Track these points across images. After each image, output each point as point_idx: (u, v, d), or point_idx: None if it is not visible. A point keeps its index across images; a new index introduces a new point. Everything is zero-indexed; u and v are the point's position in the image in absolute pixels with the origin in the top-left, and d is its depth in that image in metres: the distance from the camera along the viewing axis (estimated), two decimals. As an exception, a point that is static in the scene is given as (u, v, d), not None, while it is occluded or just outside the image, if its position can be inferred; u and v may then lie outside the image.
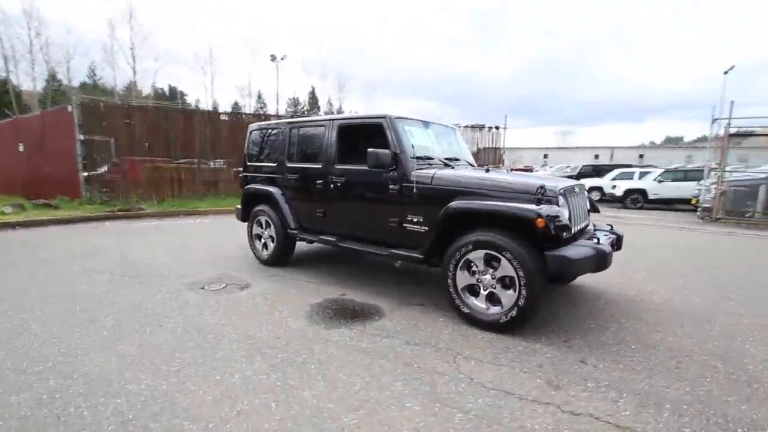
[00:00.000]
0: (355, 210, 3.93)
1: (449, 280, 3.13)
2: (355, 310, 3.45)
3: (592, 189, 15.01)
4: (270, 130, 4.90)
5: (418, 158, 3.60)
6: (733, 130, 10.18)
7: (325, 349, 2.70)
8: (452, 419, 1.94)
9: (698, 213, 10.90)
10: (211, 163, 11.67)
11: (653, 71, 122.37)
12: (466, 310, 3.06)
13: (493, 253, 2.87)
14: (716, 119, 10.51)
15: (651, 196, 13.93)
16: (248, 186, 4.99)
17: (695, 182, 13.35)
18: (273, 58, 33.07)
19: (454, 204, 3.07)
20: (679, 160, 34.63)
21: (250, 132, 5.14)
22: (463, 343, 2.78)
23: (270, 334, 2.92)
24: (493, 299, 2.99)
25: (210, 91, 46.50)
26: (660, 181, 14.05)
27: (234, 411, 1.99)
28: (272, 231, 4.68)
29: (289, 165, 4.51)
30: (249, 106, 49.72)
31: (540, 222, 2.64)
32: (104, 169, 10.26)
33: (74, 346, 2.68)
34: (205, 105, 44.21)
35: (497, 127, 13.82)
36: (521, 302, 2.76)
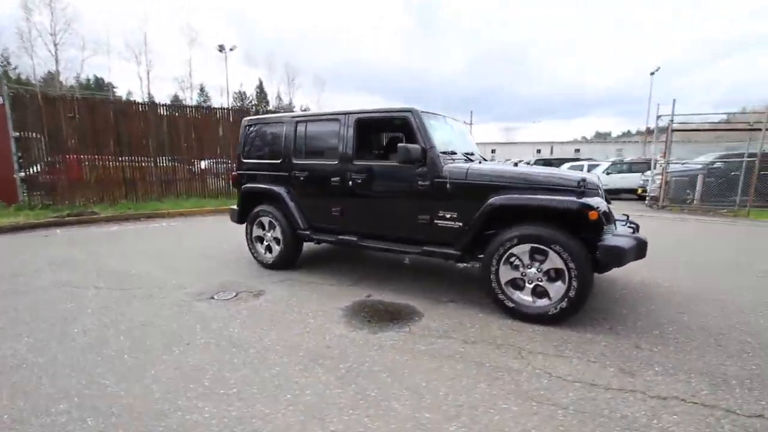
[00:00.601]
0: (379, 207, 3.78)
1: (492, 276, 3.11)
2: (391, 312, 3.33)
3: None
4: (269, 125, 4.57)
5: (441, 153, 3.54)
6: (675, 126, 11.26)
7: (384, 354, 2.56)
8: (556, 417, 1.92)
9: (646, 201, 11.98)
10: (203, 163, 10.90)
11: (584, 71, 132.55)
12: (510, 305, 3.06)
13: (541, 246, 2.89)
14: (660, 116, 11.55)
15: (601, 187, 15.09)
16: (246, 185, 4.62)
17: (639, 174, 14.67)
18: (221, 48, 31.13)
19: (499, 199, 3.05)
20: (611, 154, 37.92)
21: (245, 127, 4.76)
22: (519, 338, 2.78)
23: (317, 343, 2.72)
24: (536, 292, 3.02)
25: (145, 82, 42.53)
26: (608, 173, 15.24)
27: (329, 432, 1.82)
28: (277, 232, 4.39)
29: (296, 162, 4.23)
30: (191, 99, 46.55)
31: (593, 214, 2.70)
32: (38, 169, 9.02)
33: (96, 375, 2.30)
34: (140, 97, 40.66)
35: (464, 122, 14.07)
36: (572, 293, 2.82)
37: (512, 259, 3.05)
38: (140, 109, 10.49)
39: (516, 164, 3.66)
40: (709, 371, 2.33)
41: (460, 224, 3.35)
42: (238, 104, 47.81)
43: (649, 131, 21.34)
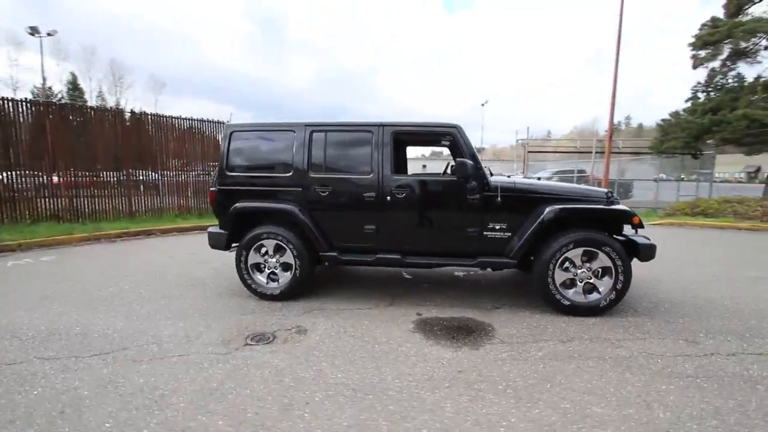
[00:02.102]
0: (426, 222, 3.68)
1: (549, 279, 3.43)
2: (458, 326, 3.31)
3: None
4: (269, 134, 3.93)
5: None
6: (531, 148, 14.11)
7: (516, 366, 2.57)
8: (702, 386, 2.31)
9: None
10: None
11: (425, 96, 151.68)
12: (566, 303, 3.44)
13: (593, 249, 3.37)
14: (518, 140, 14.31)
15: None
16: (240, 204, 3.83)
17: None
18: (33, 31, 23.60)
19: (558, 209, 3.40)
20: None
21: (229, 135, 3.96)
22: (594, 330, 3.16)
23: (443, 370, 2.53)
24: (585, 289, 3.48)
25: None
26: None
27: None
28: (287, 257, 3.79)
29: (315, 176, 3.76)
30: (-40, 91, 34.01)
31: (636, 219, 3.31)
32: None
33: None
34: None
35: None
36: (619, 286, 3.37)
37: (566, 263, 3.45)
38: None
39: (539, 178, 4.13)
40: (751, 333, 3.13)
41: (509, 234, 3.60)
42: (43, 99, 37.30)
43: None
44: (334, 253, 3.76)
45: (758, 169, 37.48)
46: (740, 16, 11.81)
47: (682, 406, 2.13)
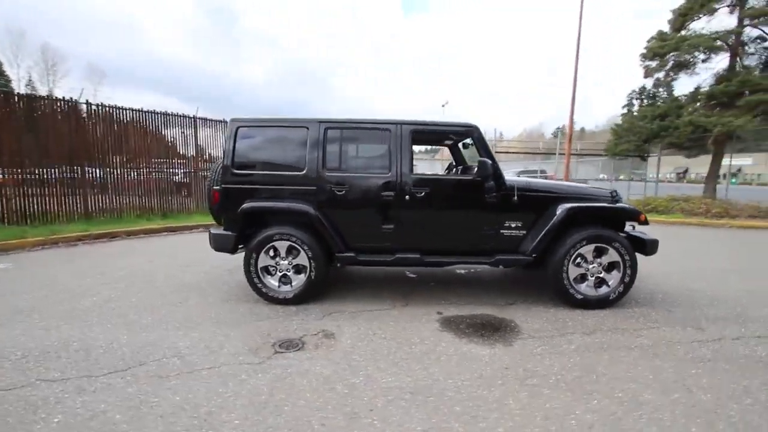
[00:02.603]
0: (445, 221, 3.68)
1: (564, 274, 3.58)
2: (482, 323, 3.35)
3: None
4: (279, 130, 3.75)
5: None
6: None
7: (557, 360, 2.65)
8: (725, 369, 2.53)
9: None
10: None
11: (387, 96, 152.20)
12: (579, 297, 3.60)
13: (603, 245, 3.56)
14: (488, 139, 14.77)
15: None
16: (250, 203, 3.61)
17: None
18: None
19: (575, 207, 3.54)
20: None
21: (235, 130, 3.71)
22: (609, 321, 3.33)
23: (489, 368, 2.55)
24: (595, 282, 3.66)
25: None
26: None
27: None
28: (301, 259, 3.63)
29: (330, 174, 3.63)
30: None
31: (642, 217, 3.53)
32: None
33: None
34: None
35: None
36: (626, 280, 3.58)
37: (578, 259, 3.61)
38: None
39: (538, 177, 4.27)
40: (708, 317, 3.45)
41: (524, 232, 3.70)
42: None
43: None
44: (351, 254, 3.66)
45: (686, 171, 41.57)
46: (683, 31, 13.00)
47: (717, 387, 2.30)
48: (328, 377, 2.42)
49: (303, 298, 3.68)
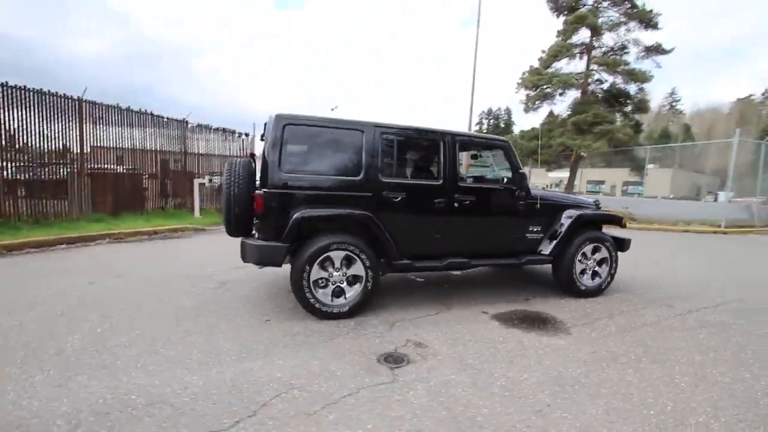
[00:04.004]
0: (486, 227, 3.97)
1: (573, 270, 4.26)
2: (529, 318, 3.72)
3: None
4: (331, 131, 3.48)
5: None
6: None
7: (621, 345, 3.19)
8: (730, 332, 3.46)
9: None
10: None
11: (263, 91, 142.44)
12: (583, 288, 4.33)
13: (599, 244, 4.36)
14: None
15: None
16: (306, 211, 3.25)
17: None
18: None
19: (584, 214, 4.24)
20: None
21: (282, 128, 3.30)
22: (617, 306, 4.10)
23: (581, 358, 2.95)
24: (591, 275, 4.45)
25: None
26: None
27: None
28: (357, 269, 3.47)
29: (387, 180, 3.55)
30: None
31: (624, 222, 4.46)
32: None
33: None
34: None
35: (246, 134, 12.97)
36: (613, 272, 4.46)
37: (580, 257, 4.34)
38: None
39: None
40: (669, 296, 4.59)
41: (541, 235, 4.28)
42: None
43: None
44: (408, 261, 3.65)
45: (561, 182, 51.19)
46: (549, 69, 16.16)
47: (723, 347, 3.15)
48: (474, 382, 2.46)
49: (356, 310, 3.50)
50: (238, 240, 3.61)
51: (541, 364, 2.77)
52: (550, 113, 16.55)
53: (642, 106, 15.81)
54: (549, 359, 2.84)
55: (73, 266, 5.20)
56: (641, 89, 16.46)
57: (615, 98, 14.97)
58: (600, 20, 14.59)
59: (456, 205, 3.81)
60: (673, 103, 61.43)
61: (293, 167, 3.36)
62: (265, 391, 2.29)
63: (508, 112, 66.62)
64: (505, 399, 2.29)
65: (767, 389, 2.49)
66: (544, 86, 15.11)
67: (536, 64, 16.96)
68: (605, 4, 15.72)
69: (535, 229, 4.24)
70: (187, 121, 11.09)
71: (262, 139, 4.23)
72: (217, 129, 11.92)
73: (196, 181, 10.79)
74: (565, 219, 4.26)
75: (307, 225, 3.33)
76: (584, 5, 15.66)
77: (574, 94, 15.57)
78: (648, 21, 14.74)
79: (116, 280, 4.51)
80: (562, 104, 18.10)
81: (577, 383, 2.50)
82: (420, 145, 3.85)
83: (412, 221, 3.73)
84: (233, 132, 12.35)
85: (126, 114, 9.39)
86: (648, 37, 16.29)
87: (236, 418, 2.02)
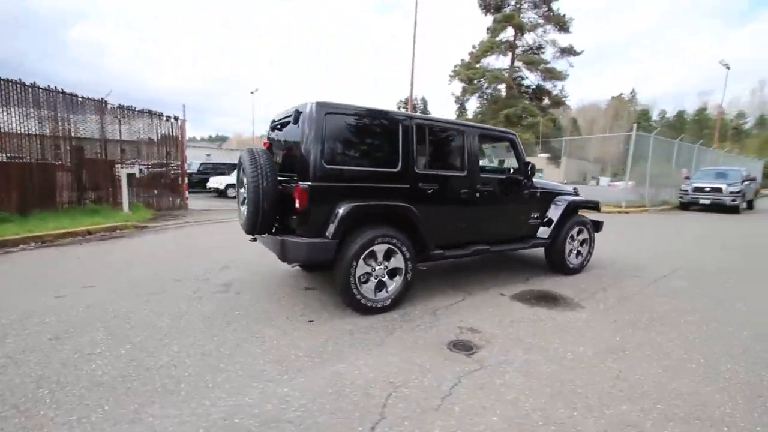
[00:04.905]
0: (501, 215, 4.22)
1: (564, 251, 4.76)
2: (544, 297, 4.08)
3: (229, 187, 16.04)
4: (369, 120, 3.36)
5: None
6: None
7: (644, 317, 3.70)
8: (699, 293, 4.19)
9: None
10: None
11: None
12: (570, 266, 4.87)
13: (582, 227, 4.92)
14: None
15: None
16: (354, 203, 3.12)
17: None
18: None
19: (575, 200, 4.72)
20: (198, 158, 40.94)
21: (322, 117, 3.09)
22: (604, 282, 4.68)
23: (620, 331, 3.36)
24: (574, 255, 5.01)
25: None
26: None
27: None
28: (397, 261, 3.46)
29: (421, 172, 3.56)
30: None
31: (600, 206, 5.08)
32: None
33: None
34: None
35: (176, 118, 11.38)
36: (591, 251, 5.08)
37: (569, 238, 4.86)
38: None
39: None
40: (630, 269, 5.39)
41: (539, 221, 4.69)
42: None
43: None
44: (440, 251, 3.73)
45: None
46: (478, 64, 17.23)
47: (700, 309, 3.85)
48: (549, 359, 2.68)
49: (396, 302, 3.50)
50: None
51: (584, 336, 3.10)
52: (481, 104, 17.93)
53: (559, 101, 18.02)
54: (588, 332, 3.19)
55: (13, 280, 4.24)
56: (558, 86, 18.65)
57: (536, 94, 16.76)
58: (525, 20, 16.10)
59: (478, 195, 3.99)
60: (563, 99, 70.03)
61: (335, 158, 3.18)
62: (372, 393, 2.22)
63: (424, 101, 69.49)
64: (583, 370, 2.54)
65: (752, 333, 3.15)
66: (477, 80, 16.17)
67: (467, 58, 18.06)
68: (526, 5, 17.24)
69: (535, 215, 4.63)
70: (106, 102, 9.52)
71: (273, 129, 3.92)
72: (142, 111, 10.43)
73: (124, 171, 9.38)
74: (558, 205, 4.73)
75: (351, 219, 3.21)
76: (508, 5, 17.01)
77: (501, 88, 16.97)
78: (562, 24, 16.62)
79: (92, 291, 3.81)
80: (483, 98, 19.62)
81: (624, 349, 2.87)
82: (447, 138, 3.92)
83: (443, 211, 3.82)
84: (160, 115, 10.92)
85: (31, 91, 7.73)
86: (563, 39, 18.48)
87: (369, 423, 1.95)
